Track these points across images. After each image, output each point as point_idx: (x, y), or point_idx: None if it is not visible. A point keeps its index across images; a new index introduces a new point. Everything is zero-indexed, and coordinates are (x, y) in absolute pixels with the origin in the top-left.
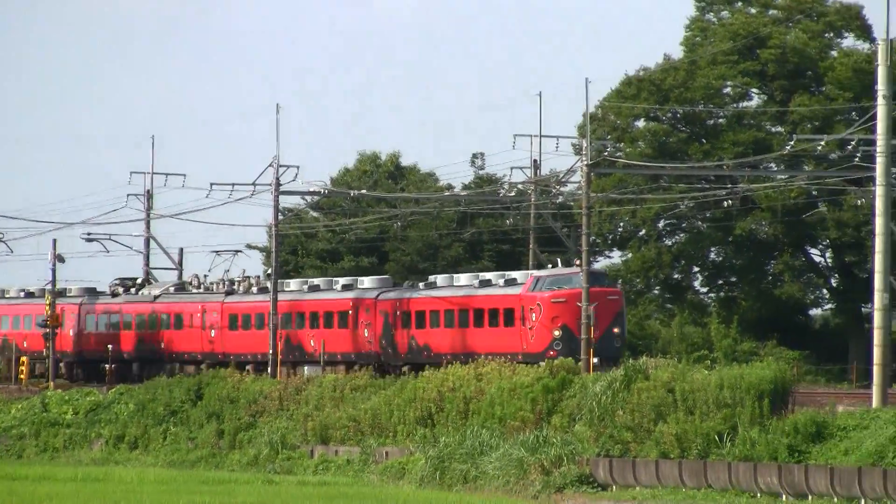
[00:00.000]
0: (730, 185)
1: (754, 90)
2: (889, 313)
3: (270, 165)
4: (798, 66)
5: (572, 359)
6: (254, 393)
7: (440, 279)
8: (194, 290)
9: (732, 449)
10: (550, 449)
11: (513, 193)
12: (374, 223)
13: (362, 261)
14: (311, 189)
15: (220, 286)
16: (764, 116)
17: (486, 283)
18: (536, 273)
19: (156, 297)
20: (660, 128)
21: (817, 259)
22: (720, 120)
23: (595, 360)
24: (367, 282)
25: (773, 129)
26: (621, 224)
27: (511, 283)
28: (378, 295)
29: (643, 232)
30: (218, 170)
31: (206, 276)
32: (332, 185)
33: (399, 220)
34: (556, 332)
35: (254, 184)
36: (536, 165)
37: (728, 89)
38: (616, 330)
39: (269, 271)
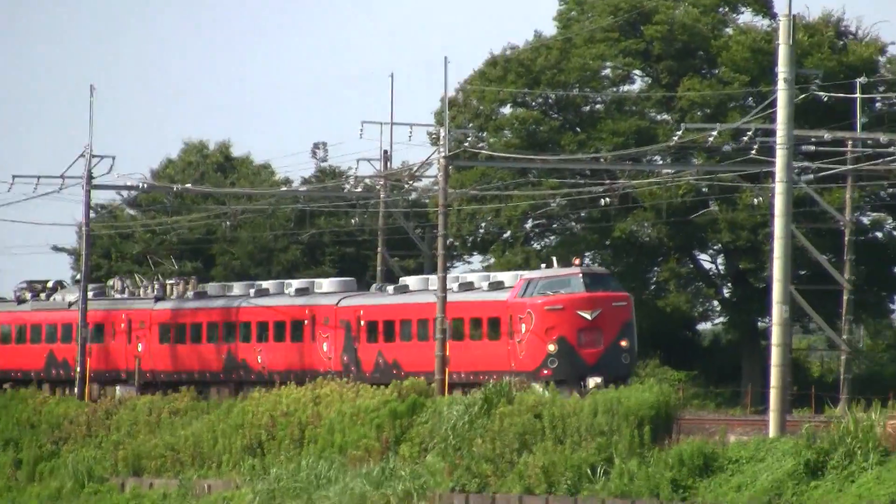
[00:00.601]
0: (608, 181)
1: (637, 72)
2: (789, 329)
3: (82, 156)
4: (687, 46)
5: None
6: (57, 417)
7: (413, 281)
8: (118, 296)
9: (607, 483)
10: (398, 483)
11: (359, 189)
12: (199, 222)
13: (185, 265)
14: (128, 183)
15: (150, 290)
16: (648, 102)
17: (467, 287)
18: (528, 274)
19: (70, 304)
20: (529, 115)
21: (707, 266)
22: (598, 106)
23: (598, 379)
24: (325, 285)
25: (659, 117)
26: (483, 224)
27: (497, 286)
28: (339, 301)
29: (508, 233)
30: (22, 161)
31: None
32: (153, 178)
33: (228, 219)
34: (552, 347)
35: (62, 176)
36: (387, 157)
37: (607, 71)
38: (624, 343)
39: (79, 277)
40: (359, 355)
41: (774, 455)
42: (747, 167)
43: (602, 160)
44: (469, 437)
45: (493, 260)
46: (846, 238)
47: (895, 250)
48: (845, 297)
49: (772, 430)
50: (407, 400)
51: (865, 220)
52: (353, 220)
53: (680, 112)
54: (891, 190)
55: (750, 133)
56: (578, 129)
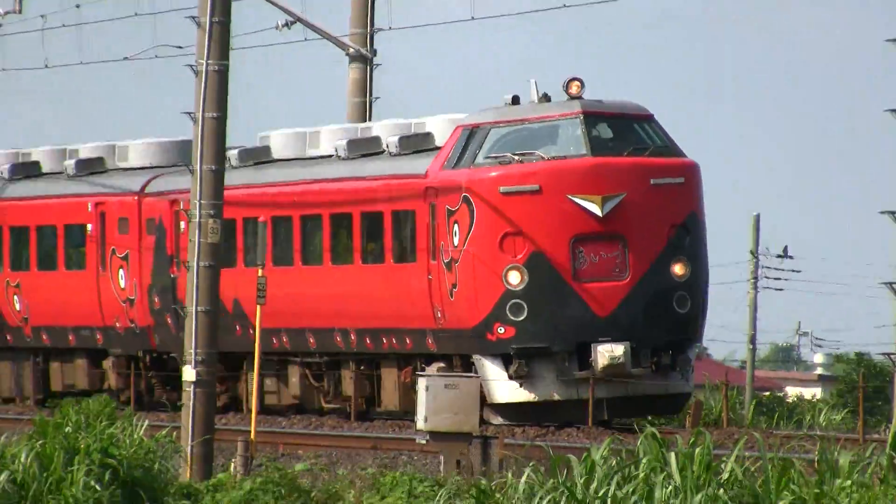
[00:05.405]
0: None
1: None
2: None
3: None
4: None
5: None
6: None
7: (281, 141)
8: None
9: None
10: None
11: None
12: None
13: None
14: None
15: None
16: None
17: (363, 148)
18: (471, 118)
19: None
20: None
21: None
22: None
23: (618, 348)
24: (131, 153)
25: None
26: None
27: (417, 144)
28: (146, 185)
29: None
30: None
31: None
32: None
33: None
34: (514, 277)
35: None
36: None
37: None
38: (679, 269)
39: None
40: (179, 295)
41: None
42: None
43: None
44: None
45: None
46: None
47: None
48: None
49: None
50: None
51: None
52: None
53: None
54: None
55: None
56: None
